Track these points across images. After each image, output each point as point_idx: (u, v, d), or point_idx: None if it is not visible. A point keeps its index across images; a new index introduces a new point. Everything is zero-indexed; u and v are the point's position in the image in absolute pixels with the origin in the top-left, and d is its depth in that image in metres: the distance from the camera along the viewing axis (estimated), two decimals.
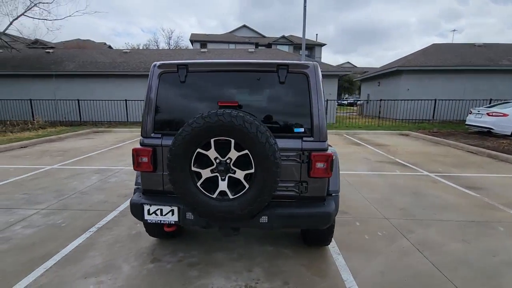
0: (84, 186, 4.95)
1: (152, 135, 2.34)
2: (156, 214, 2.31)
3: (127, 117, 15.02)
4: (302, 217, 2.25)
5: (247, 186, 2.04)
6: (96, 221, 3.54)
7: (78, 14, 22.29)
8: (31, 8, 15.43)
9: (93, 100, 14.92)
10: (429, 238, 3.19)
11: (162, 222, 2.31)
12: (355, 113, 22.02)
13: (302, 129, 2.29)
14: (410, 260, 2.76)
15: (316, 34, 56.43)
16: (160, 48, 40.29)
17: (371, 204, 4.19)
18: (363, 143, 9.84)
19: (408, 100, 14.63)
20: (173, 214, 2.28)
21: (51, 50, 18.55)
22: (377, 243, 3.08)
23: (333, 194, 2.49)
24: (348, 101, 40.51)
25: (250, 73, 2.32)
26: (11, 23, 15.00)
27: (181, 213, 2.26)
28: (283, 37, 42.54)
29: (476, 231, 3.35)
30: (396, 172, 6.04)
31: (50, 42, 36.24)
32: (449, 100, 14.31)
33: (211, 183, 2.09)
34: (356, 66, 58.78)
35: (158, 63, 2.37)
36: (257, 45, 40.08)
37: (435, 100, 14.30)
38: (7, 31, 15.37)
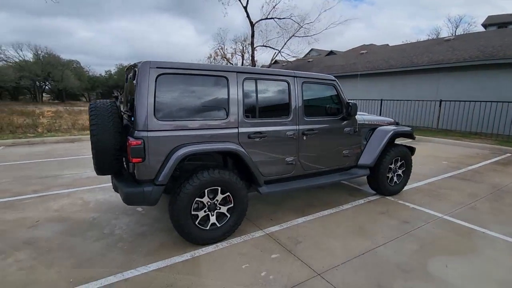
0: None
1: None
2: None
3: None
4: (116, 187, 2.76)
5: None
6: None
7: (333, 26, 24.71)
8: (298, 30, 20.52)
9: None
10: None
11: None
12: None
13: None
14: None
15: None
16: (425, 39, 35.45)
17: (370, 257, 2.75)
18: None
19: None
20: None
21: (311, 60, 23.36)
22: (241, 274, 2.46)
23: (157, 184, 2.63)
24: None
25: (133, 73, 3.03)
26: (285, 43, 21.01)
27: None
28: None
29: None
30: None
31: (339, 51, 44.22)
32: None
33: None
34: None
35: (127, 66, 3.72)
36: None
37: None
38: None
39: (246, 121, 3.09)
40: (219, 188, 2.91)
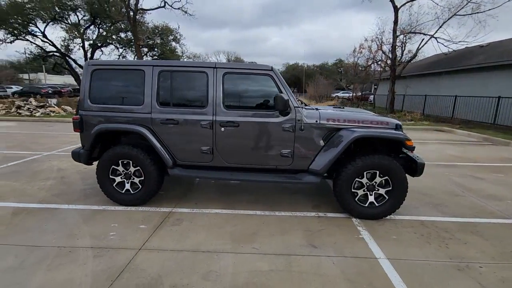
0: None
1: None
2: None
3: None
4: None
5: None
6: None
7: None
8: (464, 6, 15.72)
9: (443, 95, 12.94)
10: None
11: None
12: None
13: None
14: None
15: None
16: None
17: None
18: None
19: None
20: None
21: (484, 44, 17.23)
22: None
23: (85, 150, 3.63)
24: None
25: None
26: (440, 26, 16.59)
27: None
28: None
29: None
30: None
31: None
32: None
33: None
34: None
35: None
36: None
37: None
38: None
39: (160, 108, 3.50)
40: (131, 161, 3.56)
